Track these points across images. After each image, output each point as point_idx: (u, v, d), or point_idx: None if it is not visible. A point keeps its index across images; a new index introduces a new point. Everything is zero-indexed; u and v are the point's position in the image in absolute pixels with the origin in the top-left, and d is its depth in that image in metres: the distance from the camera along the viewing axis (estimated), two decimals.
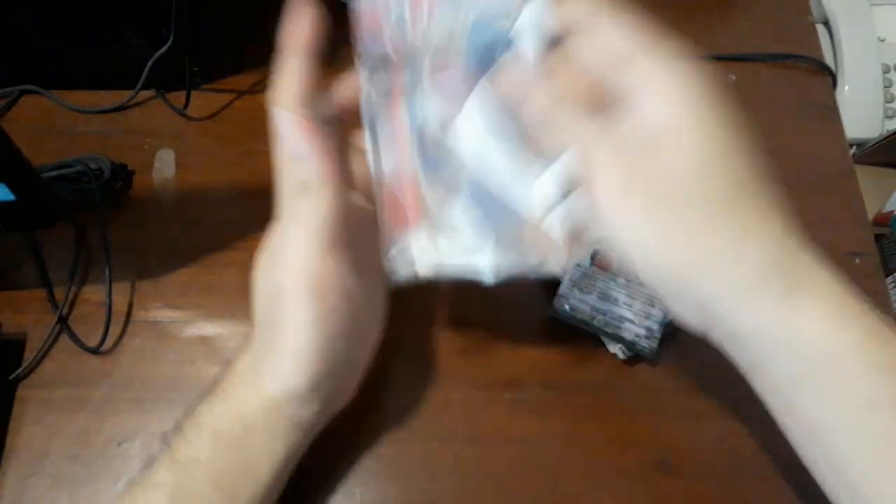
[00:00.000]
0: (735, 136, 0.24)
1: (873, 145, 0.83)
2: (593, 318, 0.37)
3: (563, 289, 0.38)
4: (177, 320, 0.39)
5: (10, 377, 0.37)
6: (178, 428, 0.31)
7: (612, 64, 0.25)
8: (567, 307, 0.37)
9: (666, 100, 0.24)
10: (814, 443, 0.26)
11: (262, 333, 0.30)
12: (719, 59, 0.49)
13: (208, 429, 0.30)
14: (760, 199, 0.24)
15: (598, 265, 0.38)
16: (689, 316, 0.26)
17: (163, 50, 0.42)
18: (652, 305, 0.37)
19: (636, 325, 0.37)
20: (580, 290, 0.38)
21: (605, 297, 0.37)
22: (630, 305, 0.37)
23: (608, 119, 0.25)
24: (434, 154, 0.28)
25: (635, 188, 0.23)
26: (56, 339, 0.39)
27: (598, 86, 0.25)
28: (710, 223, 0.23)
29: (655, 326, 0.37)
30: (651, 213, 0.23)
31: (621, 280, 0.38)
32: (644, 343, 0.37)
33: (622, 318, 0.37)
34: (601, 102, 0.25)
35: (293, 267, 0.28)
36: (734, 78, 0.49)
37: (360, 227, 0.29)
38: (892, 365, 0.23)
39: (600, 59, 0.25)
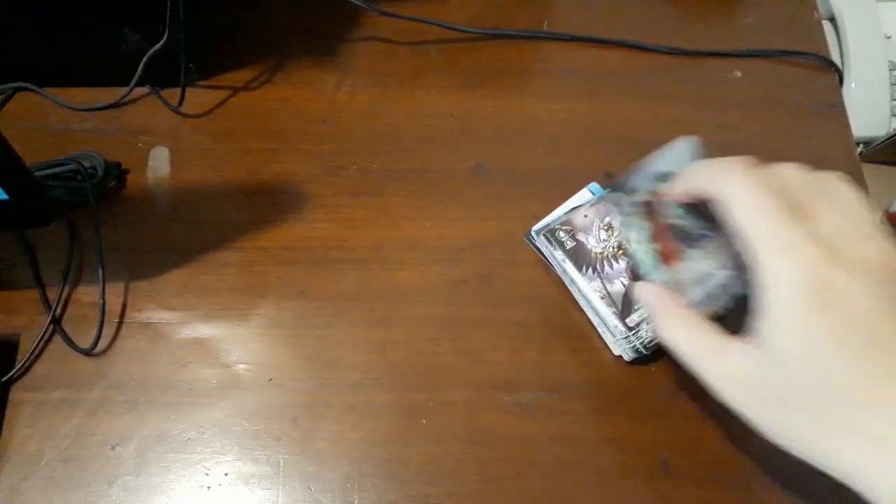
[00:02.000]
0: (832, 319, 0.25)
1: (880, 144, 0.82)
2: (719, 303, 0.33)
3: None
4: (171, 321, 0.39)
5: (3, 379, 0.37)
6: None
7: (742, 239, 0.27)
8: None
9: (782, 317, 0.25)
10: None
11: None
12: (725, 55, 0.48)
13: None
14: (864, 382, 0.25)
15: (669, 261, 0.33)
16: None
17: (157, 47, 0.41)
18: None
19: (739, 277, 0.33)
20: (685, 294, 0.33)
21: (702, 279, 0.33)
22: (724, 263, 0.33)
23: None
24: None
25: (747, 394, 0.27)
26: (49, 340, 0.38)
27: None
28: (821, 416, 0.25)
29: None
30: (772, 413, 0.26)
31: (695, 253, 0.33)
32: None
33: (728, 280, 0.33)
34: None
35: None
36: (740, 74, 0.48)
37: None
38: None
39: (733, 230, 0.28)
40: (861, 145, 0.84)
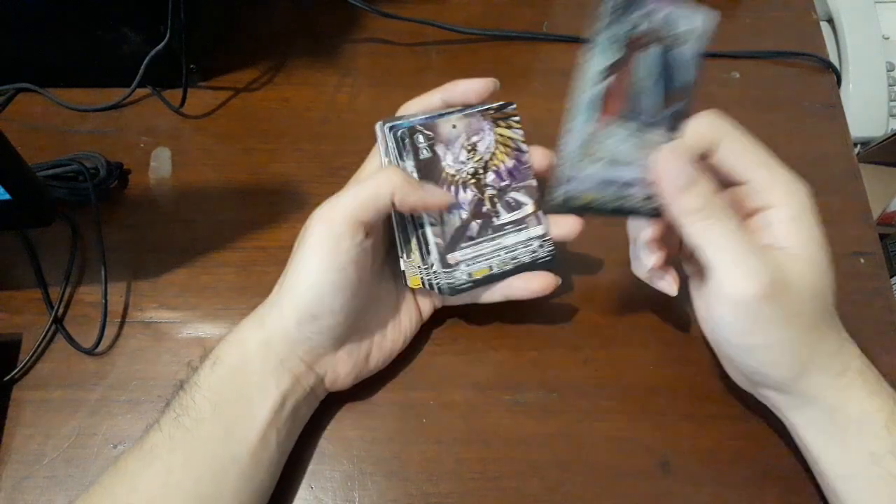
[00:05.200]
0: (828, 264, 0.31)
1: (878, 144, 0.82)
2: (602, 196, 0.31)
3: (561, 170, 0.30)
4: (173, 321, 0.39)
5: (5, 379, 0.37)
6: (190, 366, 0.34)
7: (745, 174, 0.31)
8: (565, 192, 0.31)
9: (791, 225, 0.31)
10: (833, 490, 0.32)
11: (284, 274, 0.33)
12: (723, 56, 0.49)
13: (213, 357, 0.33)
14: (833, 308, 0.32)
15: (603, 116, 0.30)
16: (756, 387, 0.34)
17: (159, 47, 0.41)
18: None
19: (643, 186, 0.31)
20: (584, 159, 0.30)
21: (614, 160, 0.31)
22: (640, 160, 0.31)
23: (750, 229, 0.31)
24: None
25: (770, 300, 0.29)
26: (51, 340, 0.38)
27: (737, 193, 0.32)
28: (814, 327, 0.31)
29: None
30: (781, 320, 0.30)
31: (630, 125, 0.30)
32: (648, 207, 0.32)
33: (632, 183, 0.31)
34: (739, 206, 0.32)
35: (329, 214, 0.32)
36: (738, 75, 0.48)
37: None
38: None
39: (736, 171, 0.31)
40: (859, 146, 0.84)
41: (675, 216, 0.30)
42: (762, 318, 0.29)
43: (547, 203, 0.32)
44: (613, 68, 0.29)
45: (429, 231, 0.34)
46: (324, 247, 0.31)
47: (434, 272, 0.35)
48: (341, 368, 0.34)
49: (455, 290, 0.35)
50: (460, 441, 0.36)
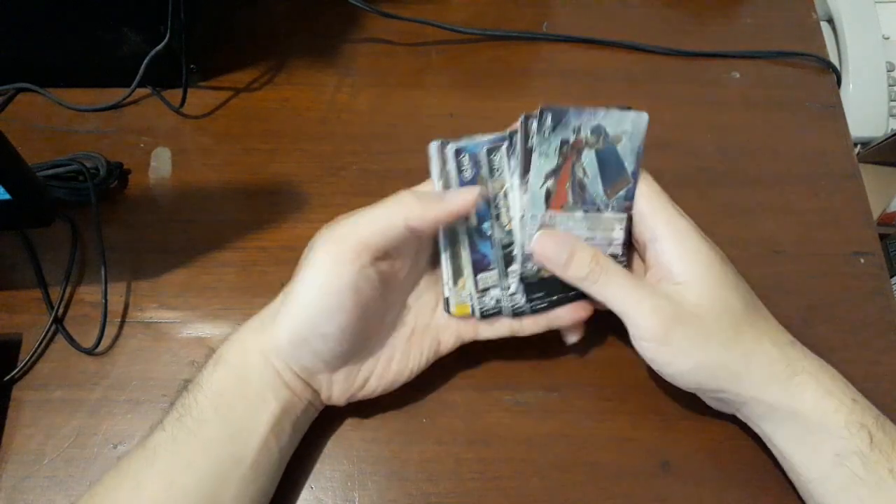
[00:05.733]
0: (728, 278, 0.33)
1: (878, 144, 0.82)
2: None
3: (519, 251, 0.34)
4: (173, 321, 0.39)
5: (5, 378, 0.37)
6: (195, 365, 0.34)
7: (642, 219, 0.35)
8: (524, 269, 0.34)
9: (675, 252, 0.33)
10: (809, 494, 0.33)
11: (290, 284, 0.33)
12: (723, 56, 0.49)
13: (216, 356, 0.33)
14: (754, 317, 0.33)
15: (554, 205, 0.34)
16: (725, 406, 0.35)
17: (159, 47, 0.41)
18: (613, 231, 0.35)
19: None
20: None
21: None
22: (592, 239, 0.35)
23: (646, 274, 0.35)
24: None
25: (676, 331, 0.32)
26: (51, 339, 0.38)
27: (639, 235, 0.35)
28: (734, 341, 0.32)
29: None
30: (694, 345, 0.32)
31: (579, 214, 0.34)
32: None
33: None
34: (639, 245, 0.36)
35: (335, 235, 0.32)
36: (738, 75, 0.48)
37: (415, 261, 0.35)
38: (859, 424, 0.31)
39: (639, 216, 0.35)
40: (859, 146, 0.84)
41: (572, 285, 0.34)
42: (676, 348, 0.32)
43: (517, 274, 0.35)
44: (552, 174, 0.34)
45: (517, 251, 0.35)
46: (324, 269, 0.31)
47: (508, 295, 0.35)
48: (336, 388, 0.34)
49: (517, 312, 0.35)
50: (460, 441, 0.36)
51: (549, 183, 0.34)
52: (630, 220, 0.35)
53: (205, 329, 0.39)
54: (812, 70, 0.49)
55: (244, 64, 0.47)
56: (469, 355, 0.38)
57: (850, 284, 0.41)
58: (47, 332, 0.38)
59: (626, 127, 0.34)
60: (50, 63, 0.45)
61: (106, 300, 0.39)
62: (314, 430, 0.36)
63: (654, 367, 0.34)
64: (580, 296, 0.35)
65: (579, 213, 0.34)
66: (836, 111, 0.47)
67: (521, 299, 0.35)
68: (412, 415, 0.37)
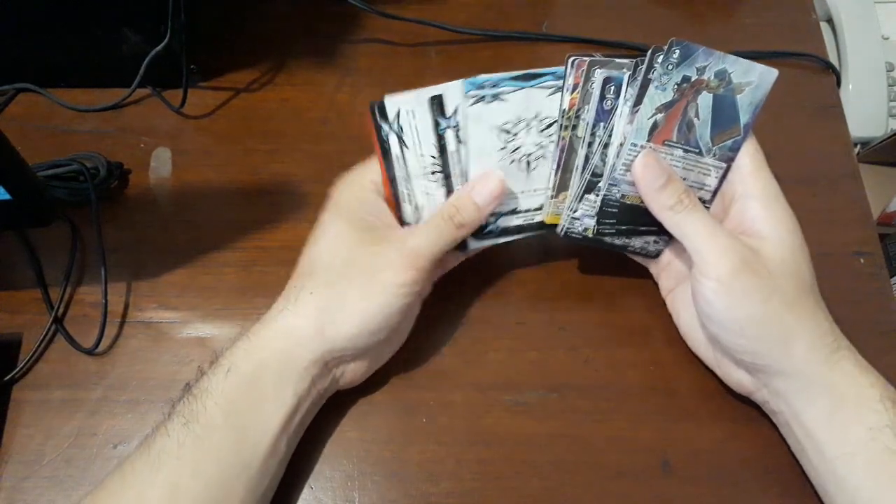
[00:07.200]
0: (804, 250, 0.34)
1: (878, 144, 0.82)
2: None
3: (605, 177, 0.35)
4: (173, 321, 0.39)
5: (5, 379, 0.37)
6: (200, 370, 0.33)
7: (739, 173, 0.35)
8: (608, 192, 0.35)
9: (762, 212, 0.34)
10: (832, 473, 0.32)
11: (330, 275, 0.34)
12: None
13: (226, 363, 0.32)
14: (816, 292, 0.34)
15: (657, 139, 0.34)
16: (750, 381, 0.35)
17: (159, 48, 0.41)
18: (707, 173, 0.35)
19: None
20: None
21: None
22: (685, 179, 0.35)
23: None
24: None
25: (743, 276, 0.32)
26: (51, 340, 0.38)
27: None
28: (795, 304, 0.33)
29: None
30: (757, 295, 0.32)
31: (679, 152, 0.35)
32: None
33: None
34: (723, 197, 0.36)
35: (412, 242, 0.33)
36: None
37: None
38: (894, 399, 0.31)
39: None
40: (859, 146, 0.84)
41: (655, 212, 0.34)
42: (740, 292, 0.32)
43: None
44: (663, 108, 0.34)
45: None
46: (384, 291, 0.33)
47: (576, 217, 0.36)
48: (358, 370, 0.35)
49: (595, 240, 0.37)
50: (460, 441, 0.36)
51: (659, 116, 0.34)
52: (727, 170, 0.35)
53: (205, 329, 0.39)
54: (812, 70, 0.49)
55: (244, 64, 0.47)
56: (469, 355, 0.39)
57: (850, 284, 0.41)
58: (47, 332, 0.38)
59: (752, 78, 0.34)
60: (50, 63, 0.45)
61: (106, 300, 0.39)
62: (314, 430, 0.36)
63: (708, 310, 0.33)
64: (650, 232, 0.37)
65: (679, 152, 0.34)
66: (835, 111, 0.47)
67: (591, 223, 0.36)
68: (412, 415, 0.37)
